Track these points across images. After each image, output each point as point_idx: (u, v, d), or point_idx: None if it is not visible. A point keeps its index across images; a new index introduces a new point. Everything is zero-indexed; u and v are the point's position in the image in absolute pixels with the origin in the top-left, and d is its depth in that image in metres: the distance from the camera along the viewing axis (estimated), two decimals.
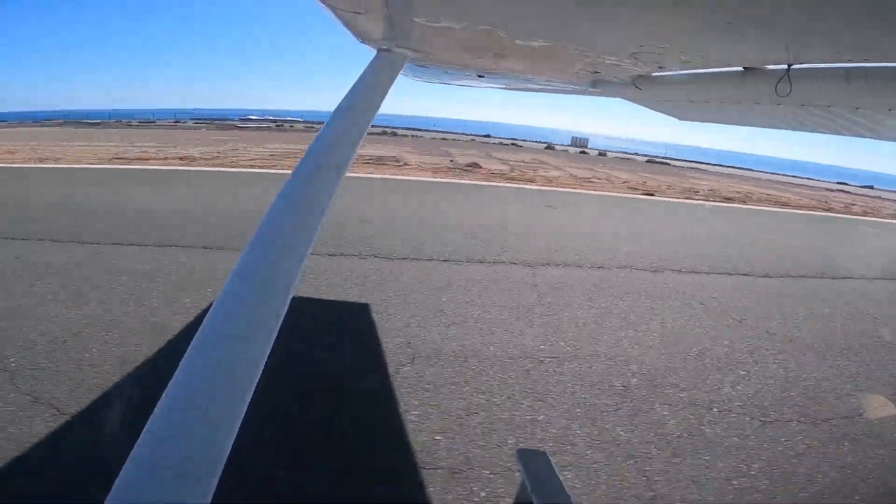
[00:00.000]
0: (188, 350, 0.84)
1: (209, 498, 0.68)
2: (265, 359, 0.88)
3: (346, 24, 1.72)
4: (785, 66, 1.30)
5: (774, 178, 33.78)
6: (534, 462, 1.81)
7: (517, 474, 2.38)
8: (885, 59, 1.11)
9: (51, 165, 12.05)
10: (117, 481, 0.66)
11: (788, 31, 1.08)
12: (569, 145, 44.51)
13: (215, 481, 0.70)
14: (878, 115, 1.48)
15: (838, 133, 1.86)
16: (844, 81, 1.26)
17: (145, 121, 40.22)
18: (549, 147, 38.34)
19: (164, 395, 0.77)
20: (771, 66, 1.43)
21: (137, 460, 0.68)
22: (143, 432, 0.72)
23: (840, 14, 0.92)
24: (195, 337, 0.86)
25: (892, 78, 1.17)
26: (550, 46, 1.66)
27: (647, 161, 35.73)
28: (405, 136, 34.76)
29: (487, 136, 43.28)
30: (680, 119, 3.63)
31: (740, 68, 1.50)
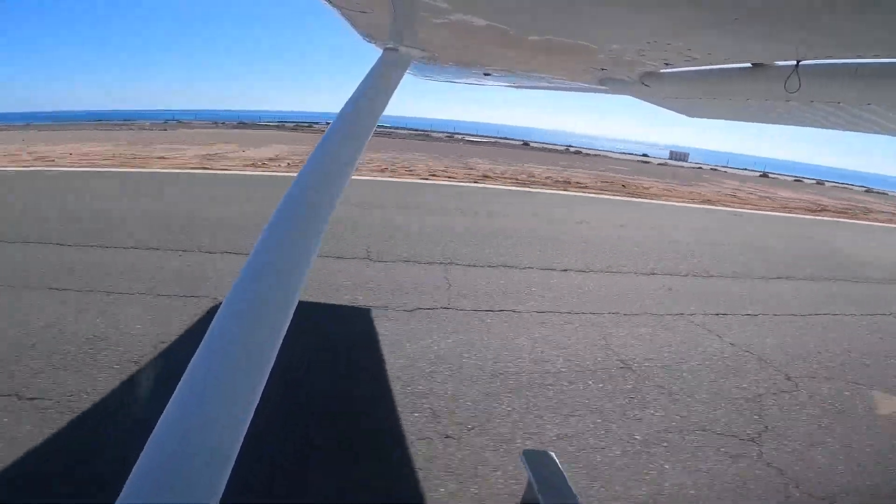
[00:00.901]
0: (197, 351, 0.85)
1: (218, 498, 0.69)
2: (273, 360, 0.88)
3: (352, 23, 1.73)
4: (793, 63, 1.29)
5: None
6: (540, 462, 1.81)
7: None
8: (894, 55, 1.10)
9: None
10: (128, 481, 0.67)
11: (795, 27, 1.07)
12: (668, 159, 38.85)
13: (224, 481, 0.71)
14: (889, 111, 1.46)
15: (849, 129, 1.83)
16: (854, 77, 1.24)
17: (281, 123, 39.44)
18: (764, 175, 31.61)
19: (173, 396, 0.78)
20: (779, 63, 1.42)
21: (147, 461, 0.69)
22: (152, 433, 0.73)
23: (847, 9, 0.91)
24: (204, 338, 0.87)
25: None
26: (557, 44, 1.66)
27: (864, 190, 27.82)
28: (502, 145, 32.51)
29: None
30: (689, 116, 3.60)
31: (748, 64, 1.49)
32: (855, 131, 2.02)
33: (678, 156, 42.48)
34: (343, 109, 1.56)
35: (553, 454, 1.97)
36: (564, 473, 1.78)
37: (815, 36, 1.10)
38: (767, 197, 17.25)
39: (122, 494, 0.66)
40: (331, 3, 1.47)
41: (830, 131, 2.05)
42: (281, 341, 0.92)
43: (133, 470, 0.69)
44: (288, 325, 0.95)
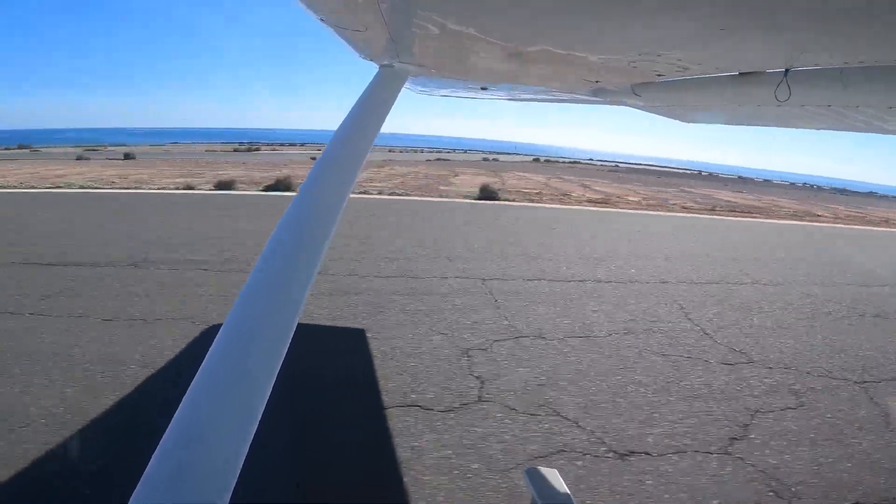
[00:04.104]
0: (207, 356, 0.89)
1: (227, 498, 0.72)
2: (280, 363, 0.92)
3: (348, 41, 1.76)
4: (783, 70, 1.31)
5: None
6: (543, 480, 1.77)
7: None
8: (880, 60, 1.12)
9: None
10: (141, 482, 0.71)
11: (783, 36, 1.09)
12: None
13: (233, 482, 0.74)
14: (879, 112, 1.48)
15: (842, 130, 1.85)
16: (841, 84, 1.26)
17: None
18: None
19: (184, 399, 0.82)
20: (769, 70, 1.44)
21: (160, 462, 0.73)
22: (164, 435, 0.77)
23: (833, 18, 0.93)
24: (214, 341, 0.91)
25: (889, 78, 1.18)
26: (550, 56, 1.69)
27: None
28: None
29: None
30: (685, 122, 3.63)
31: (738, 73, 1.51)
32: (849, 131, 2.05)
33: None
34: (340, 127, 1.58)
35: (557, 472, 1.94)
36: (569, 492, 1.75)
37: (803, 45, 1.13)
38: None
39: (133, 495, 0.69)
40: (327, 22, 1.51)
41: None
42: (287, 345, 0.96)
43: (146, 471, 0.72)
44: (294, 329, 0.99)
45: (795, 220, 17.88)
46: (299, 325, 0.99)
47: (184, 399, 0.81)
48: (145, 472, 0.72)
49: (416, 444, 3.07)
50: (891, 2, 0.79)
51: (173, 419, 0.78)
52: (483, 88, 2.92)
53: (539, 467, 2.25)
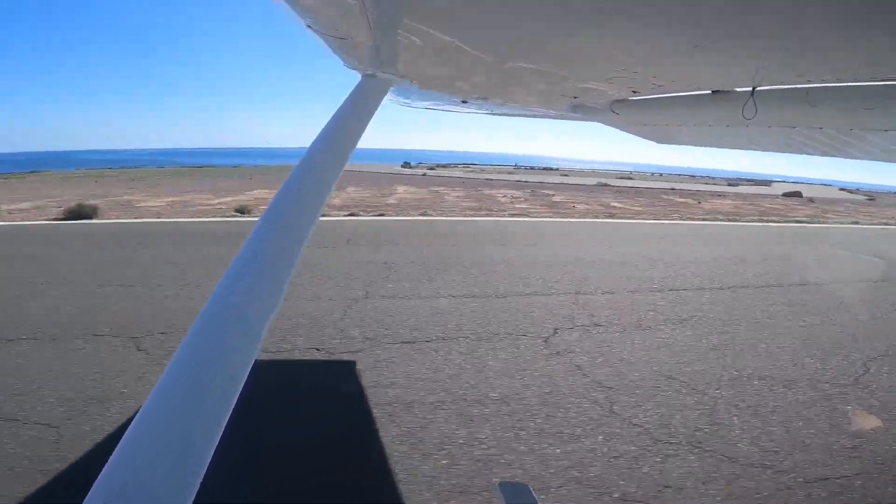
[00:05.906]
0: (176, 352, 0.87)
1: (191, 499, 0.69)
2: (253, 359, 0.90)
3: (333, 49, 1.77)
4: (750, 89, 1.37)
5: None
6: (515, 495, 1.76)
7: None
8: (841, 80, 1.18)
9: None
10: (97, 481, 0.67)
11: (751, 56, 1.15)
12: None
13: (198, 483, 0.71)
14: (842, 134, 1.55)
15: (806, 153, 1.93)
16: (807, 104, 1.33)
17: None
18: None
19: (149, 397, 0.79)
20: (738, 89, 1.50)
21: (118, 461, 0.70)
22: (125, 434, 0.73)
23: (798, 38, 0.98)
24: (185, 337, 0.89)
25: (851, 98, 1.24)
26: (531, 72, 1.72)
27: None
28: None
29: None
30: (658, 142, 3.74)
31: (709, 91, 1.57)
32: (812, 154, 2.14)
33: None
34: (319, 136, 1.56)
35: (530, 487, 1.92)
36: None
37: (769, 62, 1.18)
38: None
39: (88, 495, 0.66)
40: (313, 29, 1.51)
41: None
42: (260, 342, 0.94)
43: (103, 470, 0.69)
44: (261, 339, 0.97)
45: None
46: None
47: (150, 395, 0.78)
48: (103, 471, 0.68)
49: None
50: (847, 25, 0.84)
51: (137, 416, 0.75)
52: (464, 102, 2.96)
53: (511, 482, 2.23)
